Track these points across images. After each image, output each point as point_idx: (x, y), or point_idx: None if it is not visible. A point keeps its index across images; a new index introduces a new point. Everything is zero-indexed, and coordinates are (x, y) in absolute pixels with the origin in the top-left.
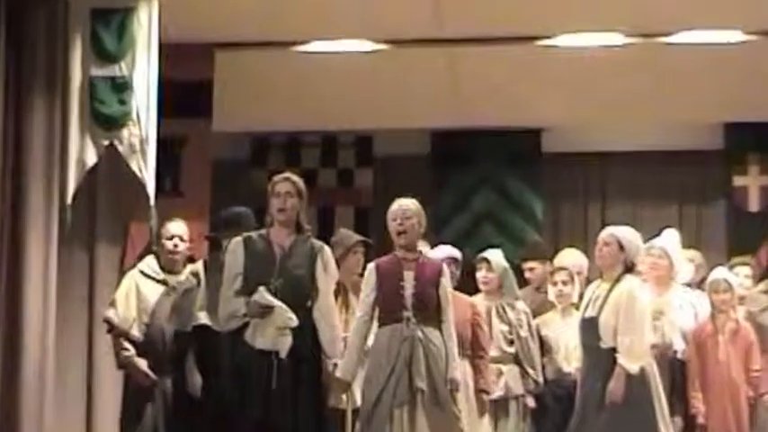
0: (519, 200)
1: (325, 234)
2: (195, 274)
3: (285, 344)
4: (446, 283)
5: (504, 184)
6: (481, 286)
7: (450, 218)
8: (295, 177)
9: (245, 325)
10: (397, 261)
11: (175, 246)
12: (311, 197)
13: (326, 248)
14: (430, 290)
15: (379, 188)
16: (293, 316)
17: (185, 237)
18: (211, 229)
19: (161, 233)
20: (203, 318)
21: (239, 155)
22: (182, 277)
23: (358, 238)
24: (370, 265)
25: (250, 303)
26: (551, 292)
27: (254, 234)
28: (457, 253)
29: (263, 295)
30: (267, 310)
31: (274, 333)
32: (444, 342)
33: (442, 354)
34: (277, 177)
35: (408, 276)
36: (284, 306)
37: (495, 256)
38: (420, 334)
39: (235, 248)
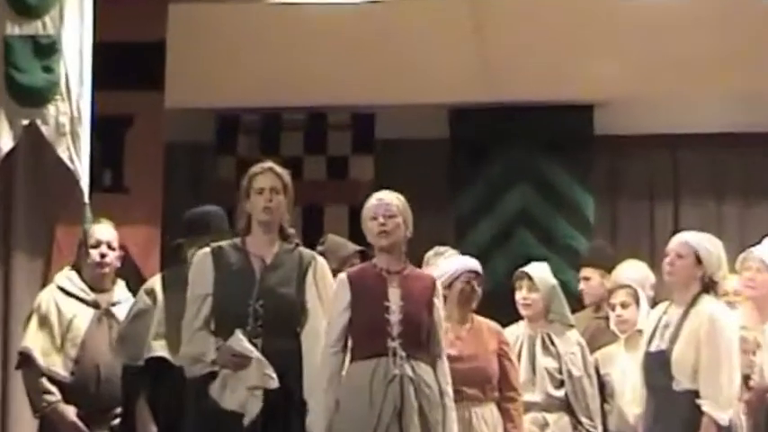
0: (564, 196)
1: (312, 241)
2: (150, 293)
3: (254, 406)
4: (440, 304)
5: (544, 176)
6: (522, 310)
7: (474, 221)
8: (279, 168)
9: (213, 374)
10: (378, 273)
11: (103, 256)
12: (294, 193)
13: (320, 260)
14: (422, 313)
15: (382, 182)
16: (274, 376)
17: (114, 244)
18: (169, 235)
19: (84, 239)
20: (159, 349)
21: (201, 138)
22: (113, 296)
23: (355, 247)
24: (341, 277)
25: (221, 349)
26: (611, 318)
27: (225, 244)
28: (475, 265)
29: (240, 342)
30: (242, 361)
31: (246, 393)
32: (439, 383)
33: (436, 397)
34: (256, 168)
35: (394, 295)
36: (264, 360)
37: (540, 270)
38: (410, 371)
39: (201, 263)
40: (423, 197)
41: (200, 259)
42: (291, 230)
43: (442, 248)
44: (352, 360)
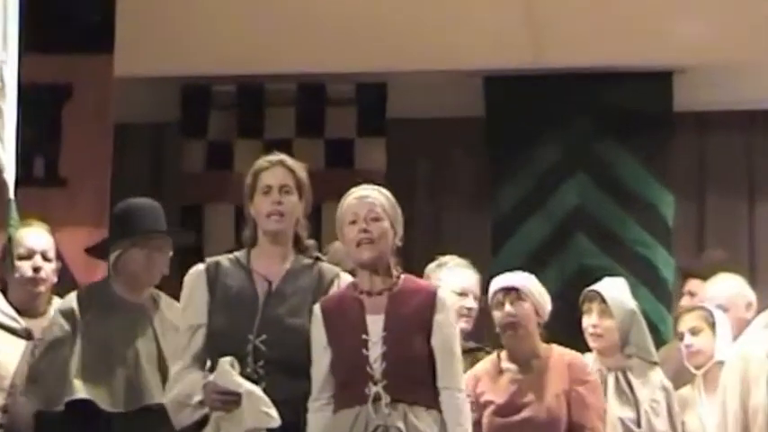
0: (634, 191)
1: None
2: (68, 315)
3: None
4: (447, 321)
5: (608, 164)
6: (591, 341)
7: (517, 222)
8: (292, 161)
9: (204, 421)
10: (354, 297)
11: (36, 269)
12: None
13: (343, 275)
14: (413, 342)
15: (398, 172)
16: (273, 413)
17: (51, 253)
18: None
19: (9, 248)
20: (81, 390)
21: (161, 117)
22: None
23: None
24: (315, 309)
25: (206, 386)
26: (681, 350)
27: (225, 259)
28: (516, 280)
29: (226, 374)
30: (231, 399)
31: None
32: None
33: None
34: (262, 162)
35: (375, 324)
36: (258, 392)
37: (616, 290)
38: (400, 421)
39: (194, 284)
40: (450, 192)
41: (193, 279)
42: (310, 241)
43: (446, 258)
44: (334, 411)
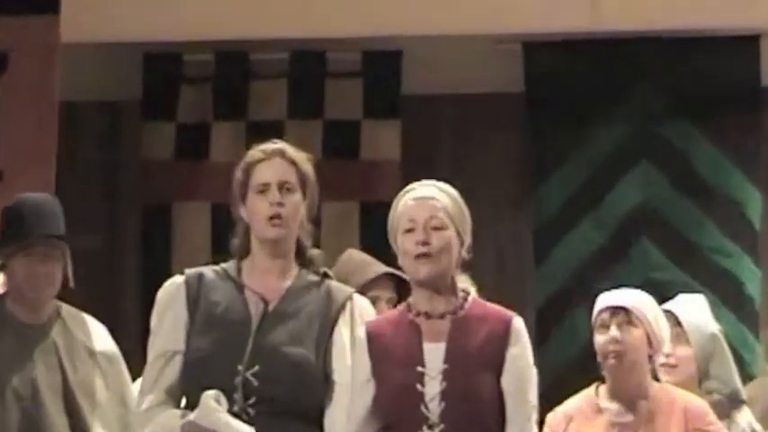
0: (712, 186)
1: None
2: None
3: None
4: (523, 357)
5: (681, 153)
6: (661, 373)
7: (566, 225)
8: (294, 150)
9: None
10: (409, 320)
11: None
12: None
13: (360, 301)
14: (482, 379)
15: (415, 163)
16: None
17: None
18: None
19: None
20: None
21: (119, 92)
22: None
23: (379, 268)
24: (359, 332)
25: (185, 428)
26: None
27: (210, 270)
28: (627, 300)
29: (210, 411)
30: None
31: None
32: None
33: None
34: (256, 152)
35: (434, 354)
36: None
37: (693, 309)
38: None
39: (169, 299)
40: (481, 188)
41: (169, 294)
42: (316, 252)
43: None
44: None
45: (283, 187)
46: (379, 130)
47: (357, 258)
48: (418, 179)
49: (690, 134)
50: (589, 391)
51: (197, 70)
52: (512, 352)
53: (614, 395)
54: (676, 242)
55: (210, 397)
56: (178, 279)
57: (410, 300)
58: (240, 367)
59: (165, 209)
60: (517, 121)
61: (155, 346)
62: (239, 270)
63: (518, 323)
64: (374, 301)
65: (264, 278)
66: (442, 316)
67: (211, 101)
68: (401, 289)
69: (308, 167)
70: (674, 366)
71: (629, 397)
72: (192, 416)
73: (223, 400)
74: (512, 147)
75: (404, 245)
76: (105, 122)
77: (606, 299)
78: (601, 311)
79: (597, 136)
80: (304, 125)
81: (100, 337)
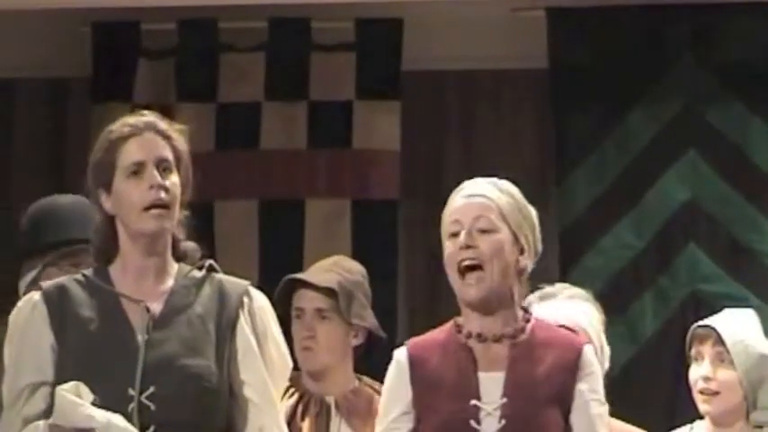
0: None
1: (279, 267)
2: None
3: None
4: (594, 391)
5: (734, 141)
6: (699, 401)
7: (597, 228)
8: (164, 121)
9: None
10: (462, 346)
11: None
12: (248, 173)
13: (256, 295)
14: (547, 415)
15: (418, 152)
16: None
17: None
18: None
19: None
20: None
21: (64, 68)
22: None
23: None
24: (399, 354)
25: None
26: None
27: (68, 281)
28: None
29: (69, 406)
30: None
31: None
32: None
33: None
34: (123, 126)
35: (492, 385)
36: (121, 423)
37: (738, 326)
38: None
39: (27, 321)
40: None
41: (25, 315)
42: (190, 244)
43: (551, 288)
44: None
45: (161, 166)
46: (375, 114)
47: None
48: (421, 171)
49: (745, 119)
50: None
51: (157, 42)
52: (582, 387)
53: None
54: (729, 247)
55: (67, 390)
56: (35, 296)
57: (458, 320)
58: (132, 392)
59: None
60: (539, 102)
61: (15, 381)
62: (107, 276)
63: (589, 352)
64: (298, 315)
65: (140, 281)
66: (498, 339)
67: (174, 79)
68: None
69: (183, 143)
70: (715, 393)
71: None
72: (51, 419)
73: (84, 390)
74: (532, 133)
75: (447, 251)
76: (48, 104)
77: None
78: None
79: (634, 121)
80: (286, 108)
81: None
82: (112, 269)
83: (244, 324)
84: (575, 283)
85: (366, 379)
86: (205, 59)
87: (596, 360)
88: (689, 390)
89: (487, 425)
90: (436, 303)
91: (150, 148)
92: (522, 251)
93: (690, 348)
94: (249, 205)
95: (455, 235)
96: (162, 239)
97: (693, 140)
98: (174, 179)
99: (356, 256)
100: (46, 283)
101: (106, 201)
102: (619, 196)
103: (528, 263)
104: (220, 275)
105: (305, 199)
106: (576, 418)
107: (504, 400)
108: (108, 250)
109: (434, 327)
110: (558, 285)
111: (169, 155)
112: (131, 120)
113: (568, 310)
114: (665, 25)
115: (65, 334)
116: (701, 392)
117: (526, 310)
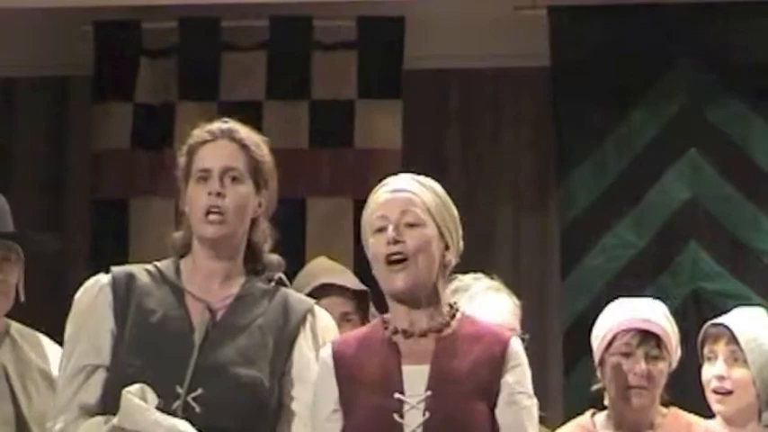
0: None
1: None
2: None
3: None
4: (521, 384)
5: (736, 140)
6: (713, 401)
7: (598, 227)
8: (246, 130)
9: None
10: (385, 339)
11: None
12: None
13: (321, 314)
14: (472, 409)
15: (420, 151)
16: None
17: None
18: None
19: None
20: None
21: (64, 67)
22: None
23: (330, 278)
24: (324, 352)
25: None
26: None
27: (140, 270)
28: (657, 323)
29: (135, 410)
30: None
31: None
32: None
33: None
34: (203, 131)
35: (415, 377)
36: (187, 431)
37: (752, 324)
38: None
39: (91, 304)
40: (497, 182)
41: (91, 296)
42: (274, 257)
43: (468, 279)
44: None
45: (227, 175)
46: (376, 113)
47: (317, 266)
48: (423, 170)
49: (746, 118)
50: (584, 420)
51: (158, 41)
52: (508, 380)
53: (618, 425)
54: (732, 246)
55: (133, 394)
56: (103, 279)
57: (386, 315)
58: (180, 389)
59: (119, 206)
60: (540, 100)
61: (72, 360)
62: (178, 271)
63: (516, 345)
64: (346, 318)
65: (208, 282)
66: (424, 334)
67: (175, 78)
68: (362, 303)
69: (263, 152)
70: (728, 393)
71: (633, 428)
72: (115, 419)
73: (150, 394)
74: (534, 131)
75: (374, 247)
76: (49, 103)
77: (632, 317)
78: (626, 331)
79: (635, 119)
80: (287, 107)
81: (58, 361)
82: (184, 264)
83: (302, 341)
84: (575, 282)
85: None
86: (206, 58)
87: (524, 353)
88: (701, 390)
89: (411, 418)
90: None
91: (219, 157)
92: (446, 247)
93: (703, 347)
94: None
95: (381, 230)
96: (227, 246)
97: (694, 139)
98: (240, 189)
99: (358, 255)
100: (116, 269)
101: (184, 200)
102: (620, 195)
103: (452, 258)
104: (288, 290)
105: (306, 198)
106: (501, 411)
107: (429, 393)
108: (184, 245)
109: None
110: (469, 277)
111: (240, 164)
112: (213, 125)
113: (492, 314)
114: (666, 24)
115: (126, 321)
116: (715, 392)
117: (452, 306)
